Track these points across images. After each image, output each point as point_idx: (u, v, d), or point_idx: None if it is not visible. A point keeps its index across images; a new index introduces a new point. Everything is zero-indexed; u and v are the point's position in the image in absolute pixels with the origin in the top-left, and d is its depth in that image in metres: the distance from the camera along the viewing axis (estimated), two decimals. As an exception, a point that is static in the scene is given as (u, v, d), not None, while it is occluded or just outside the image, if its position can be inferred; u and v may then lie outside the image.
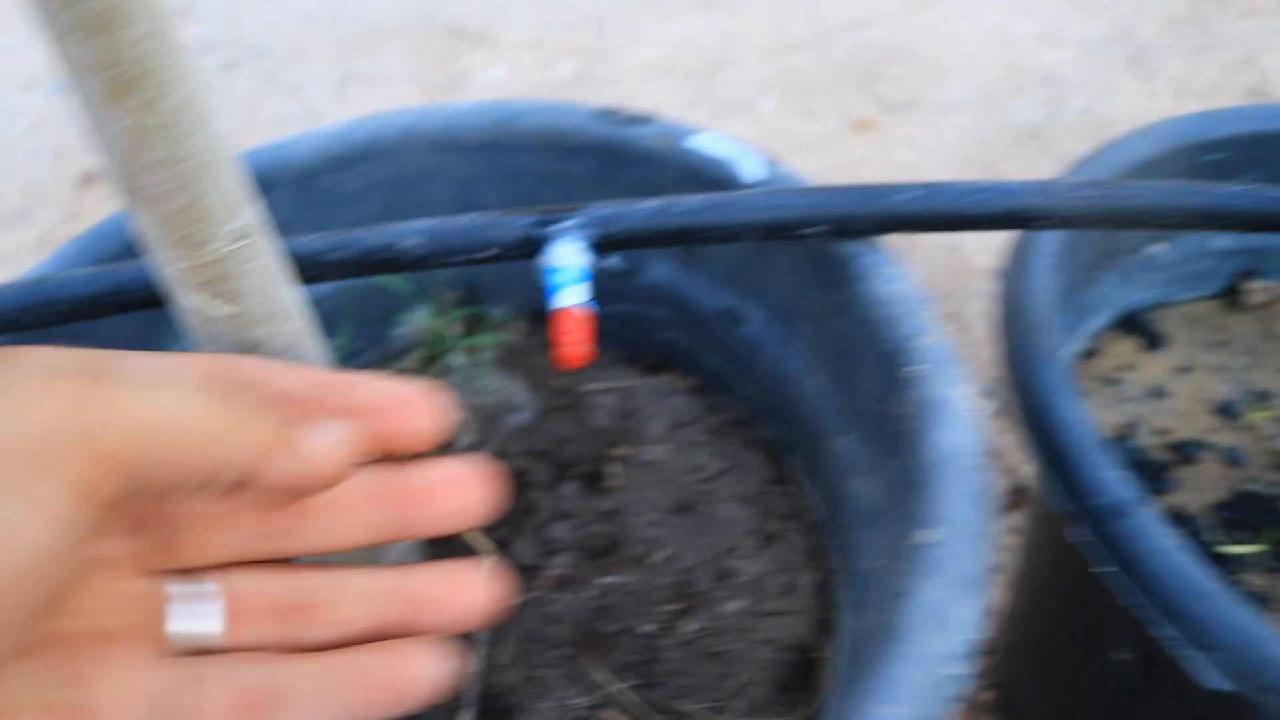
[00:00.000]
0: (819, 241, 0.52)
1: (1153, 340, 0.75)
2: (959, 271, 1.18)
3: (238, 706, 0.31)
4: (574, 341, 0.41)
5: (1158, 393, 0.73)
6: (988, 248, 1.21)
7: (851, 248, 0.50)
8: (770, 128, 1.40)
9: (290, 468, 0.29)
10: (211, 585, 0.32)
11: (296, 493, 0.30)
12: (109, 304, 0.48)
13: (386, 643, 0.32)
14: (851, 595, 0.52)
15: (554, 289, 0.44)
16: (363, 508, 0.33)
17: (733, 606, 0.56)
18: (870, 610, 0.46)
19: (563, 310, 0.43)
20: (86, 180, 1.43)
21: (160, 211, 0.37)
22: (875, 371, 0.49)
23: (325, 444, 0.30)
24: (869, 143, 1.38)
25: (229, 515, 0.33)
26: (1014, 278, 0.57)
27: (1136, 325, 0.76)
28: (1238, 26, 1.51)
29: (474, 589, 0.33)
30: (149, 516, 0.32)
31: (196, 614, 0.32)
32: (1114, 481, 0.47)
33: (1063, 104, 1.41)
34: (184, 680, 0.31)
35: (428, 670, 0.32)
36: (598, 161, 0.60)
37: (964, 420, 0.43)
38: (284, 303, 0.43)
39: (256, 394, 0.32)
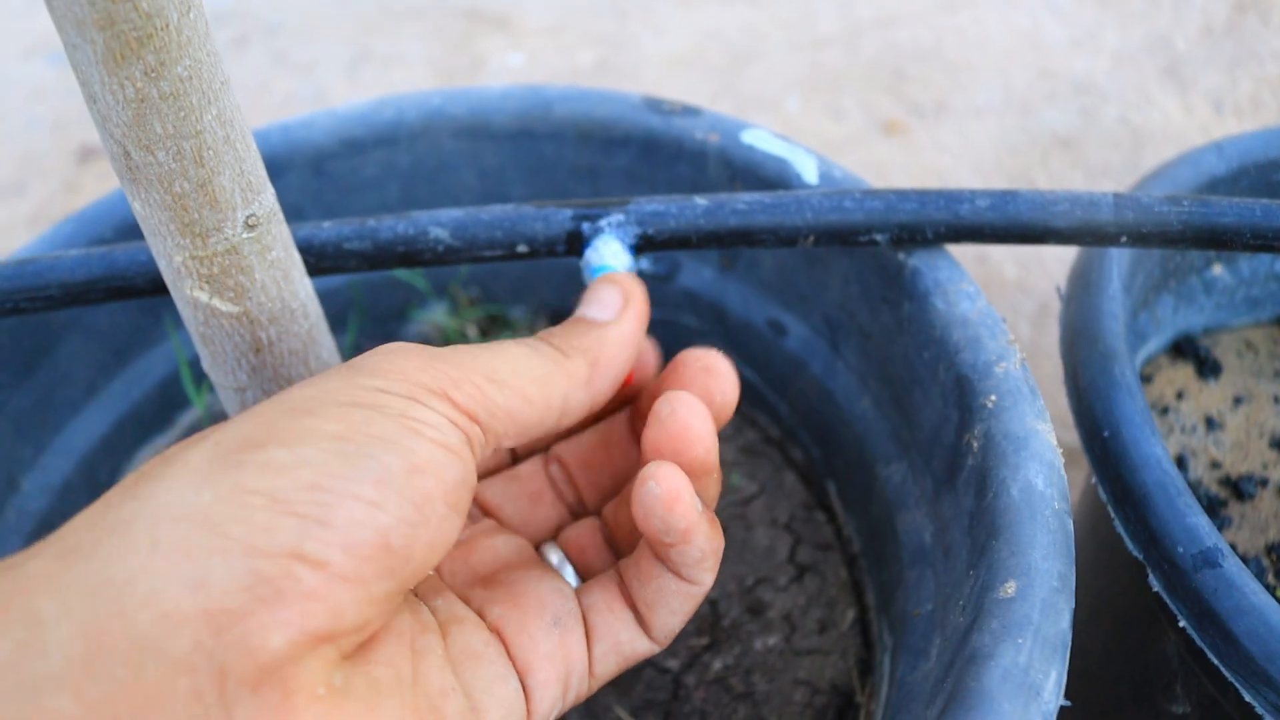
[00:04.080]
0: (881, 250, 0.47)
1: (1206, 367, 0.71)
2: (989, 283, 1.13)
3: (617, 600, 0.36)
4: None
5: (1211, 423, 0.68)
6: (1018, 259, 1.17)
7: (920, 260, 0.46)
8: (795, 127, 1.36)
9: (588, 399, 0.34)
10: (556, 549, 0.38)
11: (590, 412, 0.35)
12: (104, 289, 0.44)
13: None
14: (896, 638, 0.48)
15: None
16: None
17: (764, 643, 0.52)
18: (927, 662, 0.41)
19: None
20: (85, 153, 1.39)
21: (163, 194, 0.33)
22: (940, 397, 0.44)
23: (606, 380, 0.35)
24: (896, 146, 1.33)
25: (533, 498, 0.40)
26: (1083, 301, 0.53)
27: (1189, 351, 0.72)
28: (1277, 41, 1.47)
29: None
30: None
31: (567, 569, 0.38)
32: (1201, 529, 0.43)
33: (1096, 113, 1.37)
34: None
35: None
36: (636, 155, 0.56)
37: (1046, 459, 0.39)
38: (296, 299, 0.38)
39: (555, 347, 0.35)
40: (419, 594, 0.34)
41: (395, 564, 0.26)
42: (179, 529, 0.24)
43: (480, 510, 0.40)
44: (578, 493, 0.41)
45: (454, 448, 0.29)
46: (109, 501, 0.26)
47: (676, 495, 0.32)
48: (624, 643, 0.35)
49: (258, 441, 0.27)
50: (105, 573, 0.24)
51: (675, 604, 0.35)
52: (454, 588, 0.35)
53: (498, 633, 0.34)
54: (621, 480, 0.40)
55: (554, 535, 0.40)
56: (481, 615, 0.34)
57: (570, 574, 0.38)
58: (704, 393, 0.35)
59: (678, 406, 0.33)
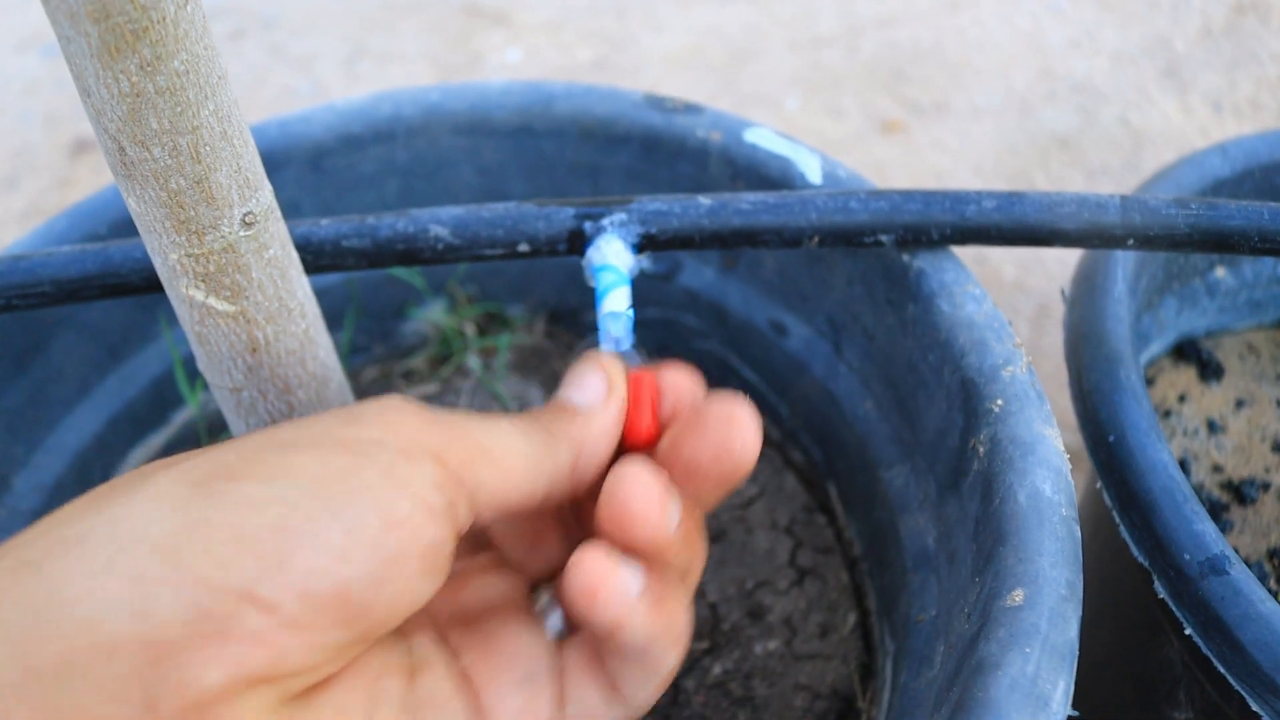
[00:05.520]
0: (886, 252, 0.47)
1: (1209, 370, 0.71)
2: (988, 283, 1.13)
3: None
4: (643, 410, 0.35)
5: (1213, 427, 0.68)
6: (1017, 260, 1.16)
7: (925, 261, 0.45)
8: (795, 126, 1.35)
9: (569, 488, 0.33)
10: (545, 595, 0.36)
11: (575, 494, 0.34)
12: (99, 286, 0.43)
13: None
14: (899, 643, 0.47)
15: (601, 292, 0.39)
16: None
17: (764, 647, 0.51)
18: (931, 669, 0.41)
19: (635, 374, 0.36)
20: (79, 148, 1.38)
21: (159, 190, 0.32)
22: (944, 401, 0.44)
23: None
24: (896, 145, 1.33)
25: (536, 536, 0.37)
26: (1088, 303, 0.52)
27: (1192, 354, 0.71)
28: (1276, 43, 1.47)
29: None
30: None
31: (553, 618, 0.35)
32: (1208, 536, 0.43)
33: (1095, 114, 1.36)
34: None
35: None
36: (638, 153, 0.55)
37: (1054, 465, 0.38)
38: (293, 298, 0.38)
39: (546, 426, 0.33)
40: (400, 628, 0.33)
41: (352, 617, 0.26)
42: (135, 553, 0.24)
43: (483, 541, 0.38)
44: (585, 533, 0.39)
45: (435, 510, 0.27)
46: (72, 512, 0.25)
47: (595, 588, 0.29)
48: (597, 708, 0.33)
49: (236, 473, 0.26)
50: (51, 591, 0.23)
51: (639, 680, 0.32)
52: (438, 624, 0.34)
53: (469, 681, 0.32)
54: None
55: (554, 576, 0.38)
56: (458, 658, 0.33)
57: (555, 620, 0.35)
58: (722, 442, 0.33)
59: (619, 485, 0.30)
